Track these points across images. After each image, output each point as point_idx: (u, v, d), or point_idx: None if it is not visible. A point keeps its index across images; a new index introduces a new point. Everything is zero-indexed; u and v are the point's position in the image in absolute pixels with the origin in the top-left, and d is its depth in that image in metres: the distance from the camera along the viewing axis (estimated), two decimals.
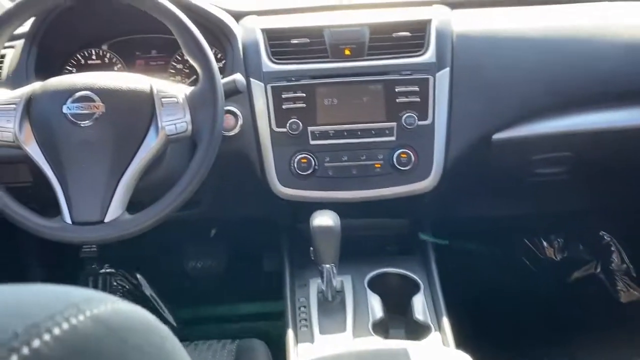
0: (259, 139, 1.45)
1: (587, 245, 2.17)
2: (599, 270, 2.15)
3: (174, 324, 2.10)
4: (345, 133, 1.44)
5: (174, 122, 1.23)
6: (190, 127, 1.23)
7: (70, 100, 1.21)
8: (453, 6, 1.59)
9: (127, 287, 2.16)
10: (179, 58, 1.64)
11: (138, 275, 2.16)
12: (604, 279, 2.14)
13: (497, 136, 1.48)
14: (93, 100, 1.21)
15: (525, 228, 2.20)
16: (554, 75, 1.49)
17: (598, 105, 1.48)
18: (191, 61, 1.26)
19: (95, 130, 1.21)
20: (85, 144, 1.21)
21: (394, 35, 1.49)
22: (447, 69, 1.46)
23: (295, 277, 1.47)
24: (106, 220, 1.21)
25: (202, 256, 2.15)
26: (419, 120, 1.43)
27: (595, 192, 1.77)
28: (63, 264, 2.02)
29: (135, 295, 2.15)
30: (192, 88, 1.26)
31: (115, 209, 1.22)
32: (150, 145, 1.23)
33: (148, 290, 2.16)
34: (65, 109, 1.21)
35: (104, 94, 1.22)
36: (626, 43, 1.50)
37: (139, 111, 1.23)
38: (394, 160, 1.42)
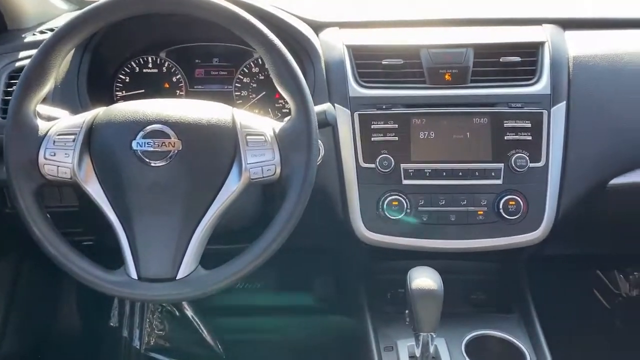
0: (343, 174, 1.27)
1: None
2: None
3: (217, 349, 1.95)
4: (444, 173, 1.26)
5: (260, 164, 1.04)
6: (279, 171, 1.04)
7: (141, 134, 1.02)
8: (565, 26, 1.38)
9: (167, 306, 2.00)
10: (247, 71, 1.44)
11: None
12: None
13: (614, 182, 1.29)
14: (168, 136, 1.02)
15: (599, 260, 2.02)
16: None
17: None
18: (282, 92, 1.06)
19: (169, 171, 1.02)
20: (156, 187, 1.02)
21: (502, 60, 1.29)
22: (564, 103, 1.27)
23: (378, 335, 1.29)
24: (179, 276, 1.03)
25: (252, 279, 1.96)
26: (530, 162, 1.24)
27: None
28: None
29: (174, 316, 1.99)
30: (281, 124, 1.07)
31: (189, 264, 1.03)
32: (231, 190, 1.04)
33: (189, 312, 2.00)
34: (134, 145, 1.01)
35: (180, 128, 1.02)
36: None
37: (220, 150, 1.04)
38: (500, 207, 1.24)
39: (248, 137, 1.05)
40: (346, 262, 1.53)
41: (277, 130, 1.06)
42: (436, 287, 1.11)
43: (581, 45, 1.33)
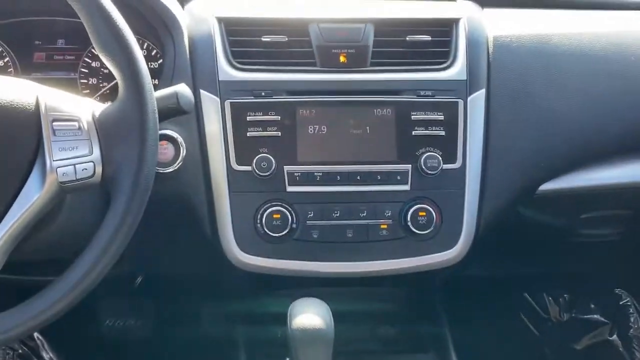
0: (210, 180, 1.01)
1: (599, 304, 1.81)
2: (614, 336, 1.79)
3: None
4: (338, 177, 1.02)
5: (72, 161, 0.75)
6: (99, 171, 0.76)
7: None
8: (484, 3, 1.16)
9: (19, 350, 1.65)
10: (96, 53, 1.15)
11: (37, 335, 1.65)
12: (621, 348, 1.78)
13: (545, 187, 1.07)
14: None
15: (526, 281, 1.83)
16: (617, 106, 1.10)
17: None
18: (104, 59, 0.79)
19: None
20: None
21: (409, 38, 1.06)
22: (483, 91, 1.06)
23: None
24: None
25: (122, 313, 1.63)
26: (443, 162, 1.01)
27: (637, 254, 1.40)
28: None
29: None
30: (105, 106, 0.78)
31: None
32: (31, 200, 0.74)
33: (47, 355, 1.66)
34: None
35: None
36: None
37: (13, 141, 0.75)
38: (408, 219, 1.01)
39: (55, 123, 0.76)
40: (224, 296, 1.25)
41: (97, 114, 0.77)
42: (323, 325, 0.84)
43: (503, 25, 1.13)
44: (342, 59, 1.05)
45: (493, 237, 1.08)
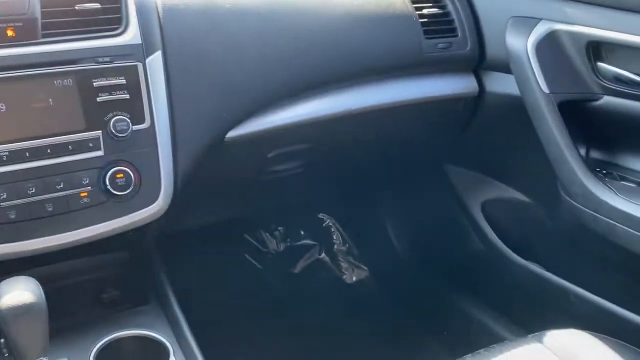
0: None
1: (307, 230, 2.07)
2: (322, 254, 2.06)
3: None
4: (27, 154, 0.99)
5: None
6: None
7: None
8: None
9: None
10: None
11: None
12: (330, 263, 2.06)
13: (231, 134, 1.19)
14: None
15: (244, 223, 1.99)
16: (282, 55, 1.25)
17: (336, 87, 1.30)
18: None
19: None
20: None
21: (78, 7, 1.06)
22: (159, 52, 1.11)
23: None
24: None
25: None
26: (132, 124, 1.05)
27: (325, 182, 1.63)
28: None
29: None
30: None
31: None
32: None
33: None
34: None
35: None
36: (341, 19, 1.33)
37: None
38: (107, 183, 1.03)
39: None
40: None
41: None
42: (34, 298, 0.85)
43: None
44: (10, 33, 1.00)
45: (195, 187, 1.16)
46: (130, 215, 1.05)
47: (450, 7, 1.44)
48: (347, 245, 2.07)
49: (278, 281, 2.01)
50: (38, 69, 1.01)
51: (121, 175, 1.04)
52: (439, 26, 1.42)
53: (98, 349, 1.04)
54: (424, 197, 1.85)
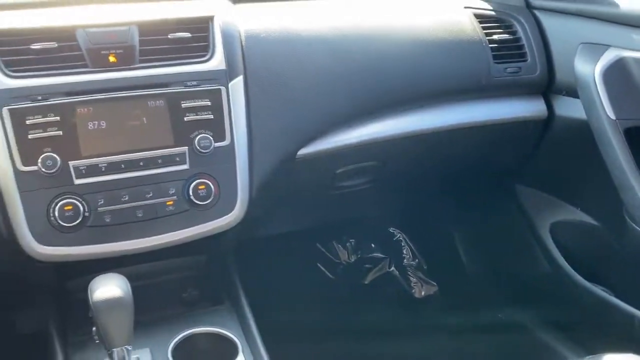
0: None
1: (378, 243, 2.13)
2: (392, 268, 2.12)
3: None
4: (123, 166, 1.12)
5: None
6: None
7: None
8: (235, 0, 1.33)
9: None
10: None
11: None
12: (399, 276, 2.11)
13: (302, 152, 1.28)
14: None
15: (316, 233, 2.08)
16: (354, 78, 1.34)
17: (406, 108, 1.37)
18: None
19: None
20: None
21: (170, 36, 1.19)
22: (241, 77, 1.22)
23: None
24: None
25: None
26: (215, 141, 1.16)
27: (394, 197, 1.69)
28: None
29: None
30: None
31: None
32: None
33: None
34: None
35: None
36: (413, 43, 1.40)
37: None
38: (190, 193, 1.15)
39: None
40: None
41: None
42: (121, 293, 0.97)
43: (252, 19, 1.30)
44: (111, 59, 1.13)
45: (268, 199, 1.26)
46: (210, 222, 1.16)
47: (520, 33, 1.47)
48: (417, 260, 2.12)
49: (348, 291, 2.08)
50: (135, 90, 1.14)
51: (203, 186, 1.15)
52: (508, 51, 1.46)
53: (176, 342, 1.15)
54: (493, 216, 1.87)
